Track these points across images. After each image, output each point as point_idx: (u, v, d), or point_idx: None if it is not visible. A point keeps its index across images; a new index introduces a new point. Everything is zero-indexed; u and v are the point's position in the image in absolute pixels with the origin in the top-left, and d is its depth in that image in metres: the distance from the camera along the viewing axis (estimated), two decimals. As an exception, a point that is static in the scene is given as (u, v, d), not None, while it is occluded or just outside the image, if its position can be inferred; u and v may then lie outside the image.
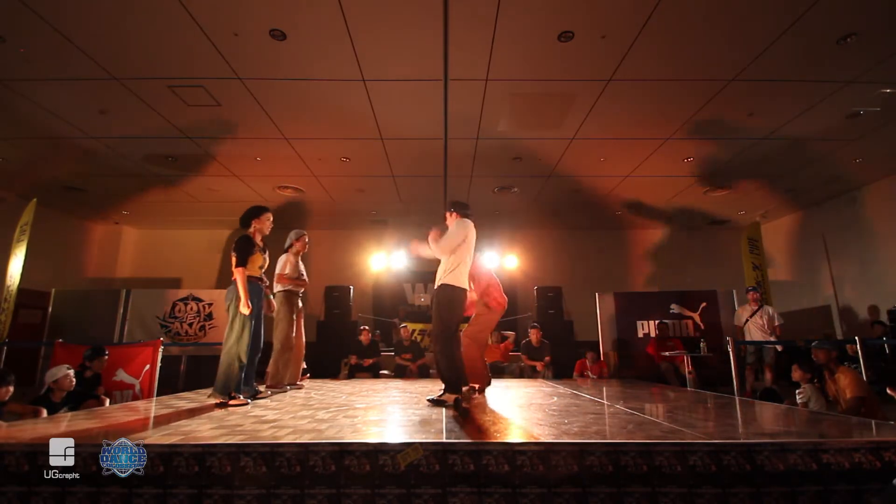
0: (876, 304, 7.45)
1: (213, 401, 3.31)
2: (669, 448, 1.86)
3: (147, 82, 4.66)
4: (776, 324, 6.32)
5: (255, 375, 3.85)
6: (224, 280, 9.82)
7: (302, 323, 4.82)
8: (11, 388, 3.62)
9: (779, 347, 6.26)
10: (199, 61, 4.33)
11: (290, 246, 4.78)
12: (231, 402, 3.25)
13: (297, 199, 8.13)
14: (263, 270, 3.72)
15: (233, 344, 3.37)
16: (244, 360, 3.40)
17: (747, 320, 6.51)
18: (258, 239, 3.71)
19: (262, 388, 4.06)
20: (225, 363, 3.35)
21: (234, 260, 3.48)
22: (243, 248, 3.50)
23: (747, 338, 6.43)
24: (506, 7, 3.67)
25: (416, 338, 7.79)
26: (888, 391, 3.65)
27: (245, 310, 3.36)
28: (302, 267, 4.79)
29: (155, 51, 4.20)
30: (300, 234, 4.82)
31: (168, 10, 3.67)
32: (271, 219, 3.85)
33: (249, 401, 3.40)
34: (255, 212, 3.74)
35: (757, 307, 6.53)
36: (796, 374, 4.32)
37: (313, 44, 4.12)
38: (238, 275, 3.41)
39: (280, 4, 3.64)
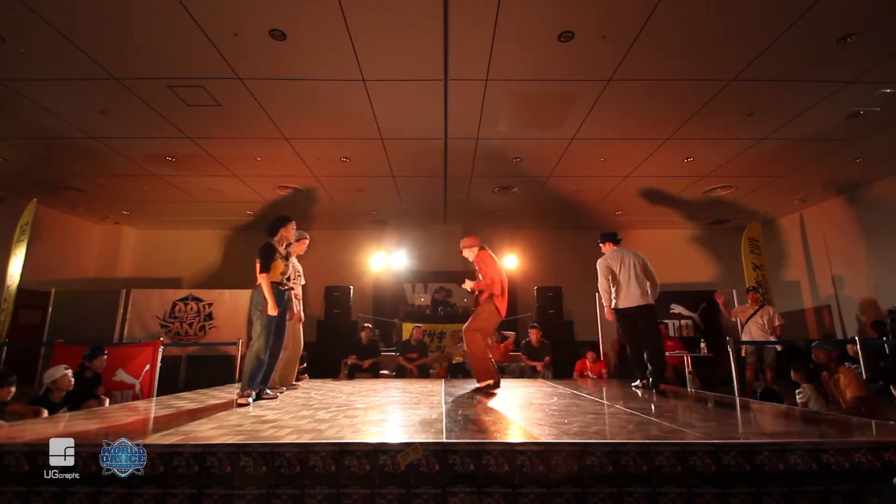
0: (876, 305, 7.45)
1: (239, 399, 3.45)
2: (669, 448, 1.86)
3: (147, 82, 4.66)
4: (776, 324, 6.32)
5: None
6: (224, 280, 9.82)
7: (298, 324, 4.78)
8: (13, 389, 3.63)
9: (778, 347, 6.26)
10: (199, 61, 4.33)
11: (289, 245, 4.74)
12: (240, 401, 3.33)
13: (298, 199, 8.13)
14: (286, 276, 3.87)
15: (254, 342, 3.54)
16: (263, 358, 3.55)
17: (748, 319, 6.51)
18: (282, 246, 3.86)
19: (268, 390, 4.04)
20: (248, 361, 3.52)
21: (257, 266, 3.61)
22: (267, 255, 3.64)
23: (746, 337, 6.43)
24: (506, 7, 3.67)
25: (425, 339, 7.79)
26: (892, 390, 3.65)
27: (273, 312, 3.52)
28: (299, 267, 4.74)
29: (155, 51, 4.20)
30: (301, 235, 4.76)
31: (168, 10, 3.67)
32: (295, 227, 4.04)
33: (251, 401, 3.42)
34: (283, 221, 3.89)
35: (758, 307, 6.53)
36: (795, 375, 4.33)
37: (313, 44, 4.12)
38: (262, 280, 3.56)
39: (280, 4, 3.64)
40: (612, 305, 4.55)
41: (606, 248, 4.81)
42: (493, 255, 4.53)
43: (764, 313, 6.42)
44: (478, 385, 4.24)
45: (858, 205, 7.82)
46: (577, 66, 4.46)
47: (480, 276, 4.39)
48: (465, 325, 4.38)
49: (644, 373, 4.51)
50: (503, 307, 4.30)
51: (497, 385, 4.17)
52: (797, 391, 4.44)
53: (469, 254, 4.58)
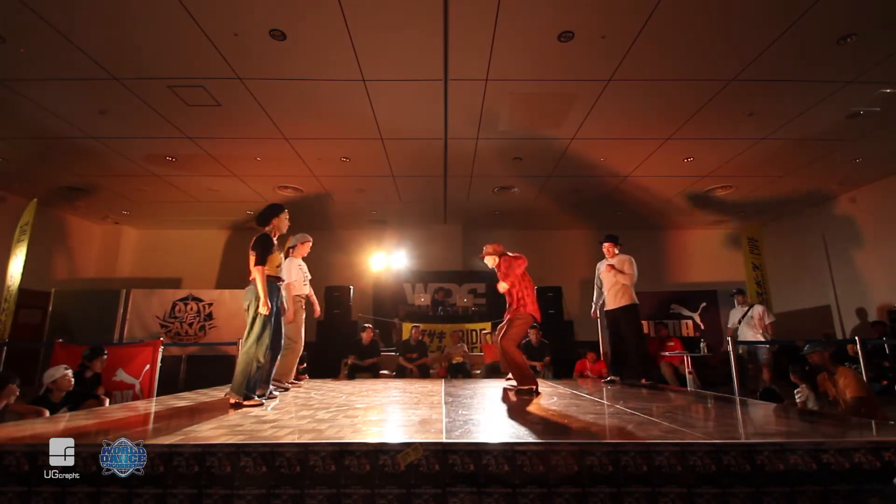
0: (876, 304, 7.45)
1: (229, 399, 3.27)
2: (669, 448, 1.86)
3: (147, 82, 4.67)
4: (766, 322, 6.30)
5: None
6: (224, 280, 9.82)
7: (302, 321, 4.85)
8: (17, 392, 3.63)
9: (769, 347, 6.24)
10: (199, 61, 4.33)
11: (294, 248, 4.76)
12: (246, 403, 3.20)
13: (297, 199, 8.13)
14: (280, 269, 3.69)
15: (252, 344, 3.30)
16: (262, 360, 3.36)
17: (739, 321, 6.51)
18: (274, 237, 3.64)
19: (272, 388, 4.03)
20: (243, 363, 3.29)
21: (253, 259, 3.36)
22: (263, 247, 3.40)
23: (740, 338, 6.43)
24: (506, 7, 3.67)
25: (424, 339, 7.79)
26: None
27: (264, 310, 3.30)
28: (306, 269, 4.78)
29: (155, 51, 4.20)
30: (305, 238, 4.78)
31: (168, 10, 3.67)
32: (288, 217, 3.80)
33: (264, 401, 3.39)
34: (275, 210, 3.65)
35: (747, 308, 6.52)
36: (794, 376, 4.34)
37: (313, 44, 4.12)
38: (258, 273, 3.32)
39: (280, 4, 3.65)
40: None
41: (618, 248, 5.01)
42: (514, 257, 4.41)
43: (754, 313, 6.42)
44: (520, 387, 4.11)
45: (858, 205, 7.82)
46: (577, 66, 4.46)
47: (506, 284, 4.24)
48: (500, 335, 4.21)
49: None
50: (535, 309, 4.19)
51: (536, 390, 4.06)
52: (795, 391, 4.45)
53: (490, 261, 4.47)
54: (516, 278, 4.24)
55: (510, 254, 4.45)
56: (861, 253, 7.76)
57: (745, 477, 1.83)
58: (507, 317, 4.25)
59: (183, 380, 6.81)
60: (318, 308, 5.02)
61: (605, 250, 5.07)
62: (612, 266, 4.91)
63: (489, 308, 9.21)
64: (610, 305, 4.97)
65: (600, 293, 5.15)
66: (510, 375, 4.36)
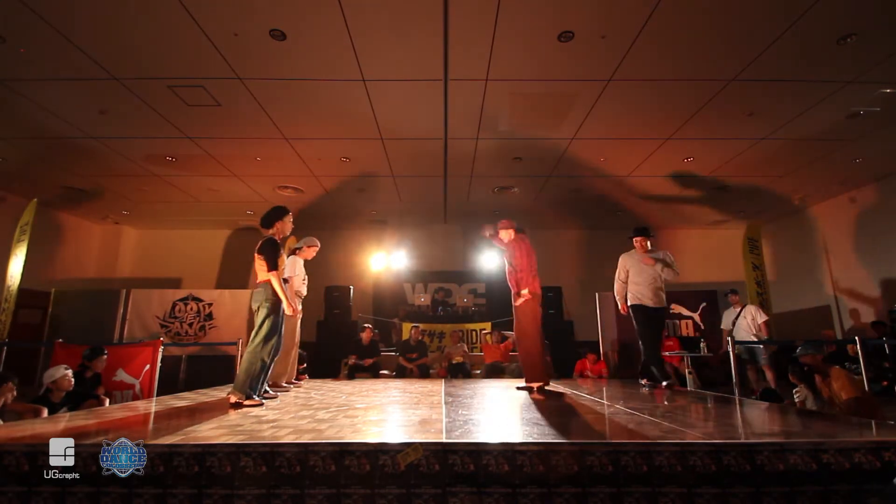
0: (876, 305, 7.45)
1: (230, 398, 3.26)
2: (669, 448, 1.86)
3: (147, 82, 4.66)
4: (760, 321, 6.29)
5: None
6: (224, 280, 9.81)
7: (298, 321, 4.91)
8: (14, 391, 3.63)
9: (761, 346, 6.22)
10: (199, 61, 4.33)
11: (300, 249, 4.83)
12: (246, 403, 3.20)
13: (297, 199, 8.13)
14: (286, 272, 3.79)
15: (258, 344, 3.33)
16: (267, 361, 3.39)
17: (734, 322, 6.50)
18: (278, 239, 3.67)
19: (268, 388, 4.03)
20: (247, 362, 3.32)
21: (264, 264, 3.42)
22: (272, 251, 3.46)
23: (736, 339, 6.42)
24: (506, 7, 3.67)
25: (424, 339, 7.79)
26: None
27: (289, 311, 3.42)
28: (302, 270, 4.85)
29: (155, 51, 4.20)
30: (313, 242, 4.88)
31: (168, 10, 3.67)
32: (292, 220, 3.82)
33: (264, 402, 3.39)
34: (279, 213, 3.69)
35: (740, 308, 6.52)
36: (792, 376, 4.34)
37: (313, 44, 4.12)
38: (273, 278, 3.39)
39: (280, 4, 3.65)
40: None
41: (650, 242, 4.83)
42: (525, 237, 4.45)
43: (747, 313, 6.41)
44: (527, 385, 4.11)
45: (857, 205, 7.82)
46: (577, 66, 4.46)
47: (512, 263, 4.31)
48: (516, 326, 4.22)
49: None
50: (537, 286, 4.22)
51: (546, 386, 4.00)
52: (794, 391, 4.45)
53: (504, 235, 4.51)
54: (527, 258, 4.27)
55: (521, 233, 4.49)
56: (861, 253, 7.76)
57: (745, 477, 1.83)
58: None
59: (183, 380, 6.80)
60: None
61: (636, 244, 4.82)
62: (655, 259, 4.66)
63: (489, 308, 9.21)
64: (651, 302, 4.64)
65: (624, 286, 4.86)
66: (522, 383, 4.31)
